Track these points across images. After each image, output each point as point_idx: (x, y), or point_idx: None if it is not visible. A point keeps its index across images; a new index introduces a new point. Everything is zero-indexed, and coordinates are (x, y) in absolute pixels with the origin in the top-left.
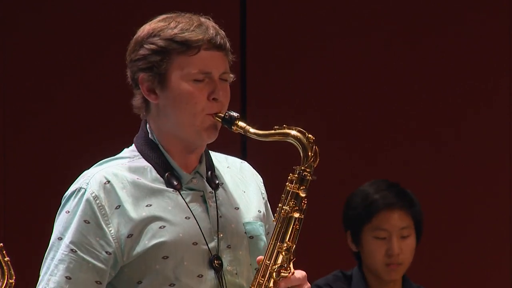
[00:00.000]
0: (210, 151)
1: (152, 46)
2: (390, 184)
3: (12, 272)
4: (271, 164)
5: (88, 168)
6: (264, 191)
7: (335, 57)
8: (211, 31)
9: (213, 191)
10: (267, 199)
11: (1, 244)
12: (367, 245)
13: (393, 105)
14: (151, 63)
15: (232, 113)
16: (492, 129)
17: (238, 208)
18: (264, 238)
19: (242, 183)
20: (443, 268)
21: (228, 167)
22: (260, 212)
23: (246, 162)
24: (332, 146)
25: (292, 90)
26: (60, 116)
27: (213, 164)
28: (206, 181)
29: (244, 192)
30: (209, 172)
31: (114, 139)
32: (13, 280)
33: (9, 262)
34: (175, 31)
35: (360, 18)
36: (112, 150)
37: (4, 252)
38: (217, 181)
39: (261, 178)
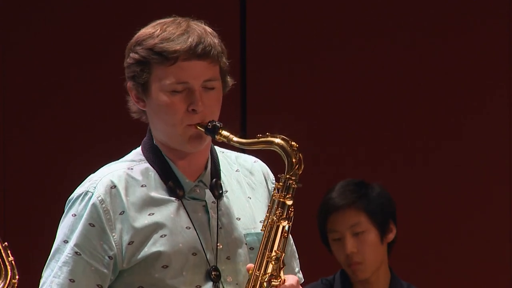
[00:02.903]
0: (222, 150)
1: (135, 56)
2: (345, 184)
3: (16, 272)
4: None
5: (90, 170)
6: None
7: (336, 60)
8: (191, 40)
9: (216, 201)
10: None
11: (6, 243)
12: (332, 249)
13: (395, 108)
14: (134, 73)
15: (215, 123)
16: (492, 129)
17: (239, 219)
18: None
19: (249, 188)
20: (442, 269)
21: (237, 170)
22: (262, 223)
23: (259, 161)
24: (332, 151)
25: (293, 94)
26: (60, 116)
27: (219, 169)
28: (210, 189)
29: (250, 198)
30: (214, 180)
31: (114, 140)
32: (16, 280)
33: (13, 262)
34: (156, 40)
35: (361, 21)
36: (111, 150)
37: (8, 251)
38: (220, 190)
39: (273, 177)
